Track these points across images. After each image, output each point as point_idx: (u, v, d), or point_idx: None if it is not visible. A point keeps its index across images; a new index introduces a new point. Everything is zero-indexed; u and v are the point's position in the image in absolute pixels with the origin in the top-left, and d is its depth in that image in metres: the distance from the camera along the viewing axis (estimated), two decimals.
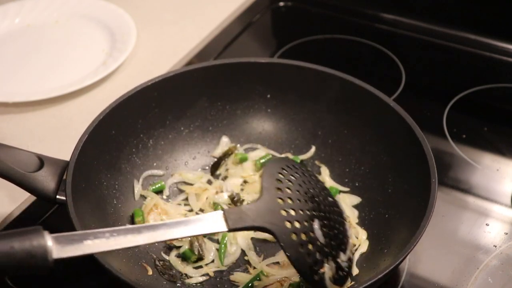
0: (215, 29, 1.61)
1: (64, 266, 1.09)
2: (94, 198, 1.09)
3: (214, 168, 1.24)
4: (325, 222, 0.98)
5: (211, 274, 1.09)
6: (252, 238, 1.13)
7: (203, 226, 0.91)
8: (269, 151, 1.26)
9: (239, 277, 1.08)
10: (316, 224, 0.97)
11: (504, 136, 1.36)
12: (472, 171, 1.28)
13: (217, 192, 1.19)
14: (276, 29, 1.71)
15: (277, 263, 1.10)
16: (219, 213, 0.93)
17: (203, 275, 1.09)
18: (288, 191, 0.96)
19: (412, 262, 1.11)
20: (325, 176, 1.21)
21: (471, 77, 1.49)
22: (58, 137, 1.34)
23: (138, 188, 1.18)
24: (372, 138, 1.18)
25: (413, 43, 1.60)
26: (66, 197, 1.00)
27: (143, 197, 1.19)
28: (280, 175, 0.98)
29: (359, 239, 1.11)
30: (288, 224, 0.94)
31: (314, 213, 0.97)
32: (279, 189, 0.96)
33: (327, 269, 0.96)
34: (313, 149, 1.25)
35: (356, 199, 1.17)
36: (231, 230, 0.92)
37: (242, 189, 1.21)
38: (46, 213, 1.18)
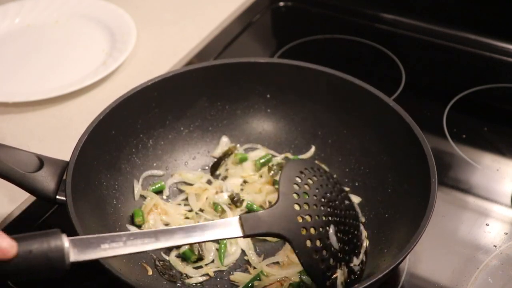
0: (215, 29, 1.61)
1: None
2: (94, 198, 1.09)
3: (214, 168, 1.24)
4: (341, 227, 0.99)
5: (211, 274, 1.09)
6: (252, 238, 1.13)
7: (219, 232, 0.92)
8: (269, 151, 1.26)
9: (239, 277, 1.08)
10: (331, 230, 0.97)
11: (504, 136, 1.36)
12: (472, 171, 1.28)
13: (217, 192, 1.19)
14: (276, 29, 1.71)
15: (277, 263, 1.10)
16: (235, 218, 0.93)
17: (203, 275, 1.09)
18: (305, 196, 0.96)
19: (412, 262, 1.11)
20: None
21: (471, 77, 1.49)
22: (58, 137, 1.34)
23: (138, 188, 1.18)
24: (372, 138, 1.18)
25: (413, 43, 1.60)
26: (66, 197, 1.00)
27: (143, 197, 1.19)
28: (297, 179, 0.97)
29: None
30: (303, 231, 0.94)
31: (330, 218, 0.97)
32: (296, 194, 0.96)
33: (339, 274, 0.97)
34: (313, 149, 1.25)
35: (356, 199, 1.17)
36: (246, 236, 0.93)
37: (242, 189, 1.21)
38: (46, 213, 1.18)
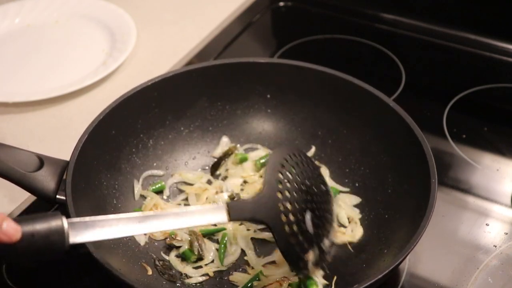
0: (215, 29, 1.61)
1: (64, 266, 1.11)
2: (94, 198, 1.10)
3: (214, 168, 1.24)
4: (316, 212, 1.03)
5: (211, 274, 1.09)
6: (252, 239, 1.13)
7: (207, 216, 0.96)
8: (269, 151, 1.26)
9: (238, 277, 1.08)
10: (308, 216, 1.01)
11: (504, 136, 1.36)
12: (472, 171, 1.28)
13: (217, 192, 1.19)
14: (276, 29, 1.71)
15: (273, 262, 1.10)
16: (223, 205, 0.97)
17: (203, 275, 1.09)
18: (288, 184, 1.00)
19: (412, 262, 1.11)
20: (325, 176, 1.20)
21: (471, 77, 1.49)
22: (58, 137, 1.34)
23: (138, 188, 1.18)
24: (372, 138, 1.18)
25: (413, 43, 1.60)
26: (66, 197, 1.01)
27: (143, 197, 1.19)
28: (282, 167, 1.01)
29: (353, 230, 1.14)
30: (283, 217, 0.98)
31: (307, 205, 1.01)
32: (280, 182, 1.00)
33: (311, 256, 1.01)
34: (313, 149, 1.25)
35: (356, 199, 1.17)
36: (231, 220, 0.97)
37: (242, 189, 1.21)
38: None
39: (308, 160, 1.07)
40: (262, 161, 1.22)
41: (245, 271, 1.10)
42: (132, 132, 1.19)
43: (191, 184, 1.21)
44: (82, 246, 0.93)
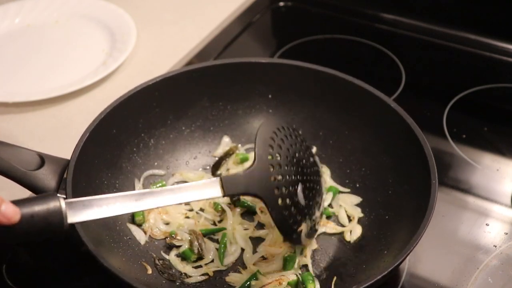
0: (215, 29, 1.61)
1: (64, 266, 1.11)
2: None
3: (215, 168, 1.24)
4: (307, 184, 1.05)
5: (211, 273, 1.09)
6: (250, 238, 1.14)
7: (201, 191, 0.98)
8: None
9: (235, 277, 1.08)
10: (299, 188, 1.03)
11: (504, 136, 1.36)
12: (472, 171, 1.28)
13: None
14: (276, 29, 1.71)
15: (263, 258, 1.11)
16: (216, 179, 0.99)
17: (203, 274, 1.09)
18: (278, 157, 1.02)
19: (412, 262, 1.11)
20: (326, 177, 1.21)
21: (471, 77, 1.49)
22: (58, 137, 1.34)
23: (139, 187, 1.18)
24: (372, 139, 1.18)
25: (413, 43, 1.60)
26: (66, 196, 1.00)
27: None
28: (272, 140, 1.03)
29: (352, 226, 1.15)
30: (276, 191, 1.00)
31: (298, 177, 1.04)
32: (270, 155, 1.01)
33: (304, 227, 1.04)
34: (314, 149, 1.25)
35: (357, 199, 1.17)
36: (226, 195, 1.00)
37: None
38: None
39: (297, 133, 1.09)
40: None
41: (237, 271, 1.10)
42: (133, 132, 1.20)
43: None
44: (82, 244, 0.93)
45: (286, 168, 1.02)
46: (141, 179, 1.20)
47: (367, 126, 1.19)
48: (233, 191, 1.00)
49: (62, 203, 0.86)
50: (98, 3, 1.66)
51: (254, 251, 1.12)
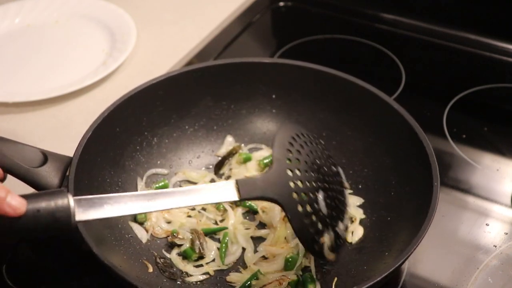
0: (215, 29, 1.61)
1: (65, 266, 1.11)
2: (97, 195, 1.09)
3: (218, 167, 1.24)
4: (329, 193, 1.01)
5: (212, 273, 1.09)
6: (251, 237, 1.14)
7: (216, 194, 0.95)
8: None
9: (235, 277, 1.08)
10: (320, 195, 0.99)
11: (504, 136, 1.36)
12: (472, 171, 1.28)
13: None
14: (276, 29, 1.71)
15: (264, 257, 1.11)
16: (232, 182, 0.95)
17: (204, 273, 1.09)
18: (297, 162, 0.98)
19: (412, 263, 1.11)
20: None
21: (471, 77, 1.49)
22: (58, 137, 1.34)
23: (141, 186, 1.18)
24: (375, 140, 1.18)
25: (413, 43, 1.60)
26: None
27: None
28: (290, 145, 0.99)
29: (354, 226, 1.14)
30: (295, 196, 0.96)
31: (319, 184, 0.99)
32: (289, 159, 0.98)
33: (327, 239, 0.99)
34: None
35: (359, 200, 1.17)
36: (242, 199, 0.96)
37: None
38: None
39: (317, 140, 1.05)
40: (266, 161, 1.22)
41: (238, 271, 1.10)
42: (137, 130, 1.20)
43: (194, 183, 1.21)
44: (83, 242, 0.93)
45: (306, 173, 0.98)
46: (144, 178, 1.20)
47: (370, 127, 1.19)
48: (249, 195, 0.96)
49: (71, 200, 0.85)
50: (98, 3, 1.66)
51: (255, 251, 1.12)
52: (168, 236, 1.13)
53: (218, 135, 1.27)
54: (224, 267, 1.10)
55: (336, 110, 1.22)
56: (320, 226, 0.98)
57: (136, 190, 1.18)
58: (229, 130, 1.28)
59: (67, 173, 1.04)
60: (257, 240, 1.13)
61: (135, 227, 1.13)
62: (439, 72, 1.53)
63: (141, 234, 1.12)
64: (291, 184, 0.96)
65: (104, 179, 1.13)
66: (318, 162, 1.02)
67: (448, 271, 1.10)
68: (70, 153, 1.06)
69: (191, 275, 1.08)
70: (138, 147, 1.20)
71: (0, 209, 0.81)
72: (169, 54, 1.54)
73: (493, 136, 1.35)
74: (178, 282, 1.07)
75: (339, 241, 1.02)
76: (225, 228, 1.14)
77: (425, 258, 1.12)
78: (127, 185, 1.17)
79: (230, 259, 1.11)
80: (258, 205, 1.17)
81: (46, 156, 1.04)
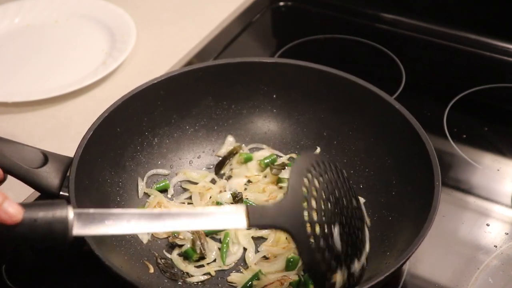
0: (215, 29, 1.61)
1: (65, 266, 1.11)
2: (97, 195, 1.09)
3: (218, 168, 1.24)
4: (346, 229, 0.96)
5: (213, 273, 1.09)
6: (252, 237, 1.13)
7: (224, 220, 0.90)
8: (274, 151, 1.26)
9: (236, 277, 1.08)
10: (336, 230, 0.94)
11: (505, 136, 1.36)
12: (472, 171, 1.28)
13: (220, 191, 1.19)
14: (276, 29, 1.71)
15: (265, 257, 1.10)
16: (242, 207, 0.90)
17: (205, 274, 1.08)
18: (314, 192, 0.93)
19: (412, 263, 1.11)
20: None
21: (472, 77, 1.49)
22: (57, 137, 1.34)
23: (142, 186, 1.18)
24: (376, 140, 1.18)
25: (413, 43, 1.60)
26: (69, 194, 1.00)
27: (147, 195, 1.18)
28: (308, 174, 0.94)
29: None
30: (308, 228, 0.91)
31: (336, 218, 0.94)
32: (305, 188, 0.93)
33: (339, 277, 0.94)
34: (318, 150, 1.24)
35: (360, 200, 1.16)
36: (251, 226, 0.91)
37: (245, 189, 1.20)
38: None
39: (339, 170, 1.00)
40: (267, 161, 1.22)
41: (239, 271, 1.09)
42: (137, 130, 1.19)
43: (195, 183, 1.21)
44: (84, 243, 0.93)
45: (322, 205, 0.92)
46: (145, 178, 1.20)
47: (371, 127, 1.19)
48: (259, 223, 0.91)
49: (70, 213, 0.82)
50: (98, 3, 1.66)
51: (256, 251, 1.12)
52: (169, 237, 1.13)
53: (218, 135, 1.27)
54: (225, 268, 1.10)
55: (337, 109, 1.22)
56: (333, 263, 0.93)
57: (137, 190, 1.18)
58: (229, 130, 1.28)
59: (68, 174, 1.04)
60: (258, 240, 1.13)
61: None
62: (439, 72, 1.53)
63: (142, 235, 1.11)
64: (305, 215, 0.91)
65: (105, 179, 1.13)
66: (337, 194, 0.96)
67: (449, 272, 1.10)
68: (70, 153, 1.06)
69: (192, 276, 1.08)
70: (138, 148, 1.20)
71: None
72: (169, 54, 1.54)
73: (493, 136, 1.35)
74: (179, 283, 1.07)
75: (353, 281, 0.96)
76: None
77: (425, 259, 1.12)
78: (128, 186, 1.17)
79: (231, 259, 1.10)
80: (259, 205, 1.17)
81: (46, 157, 1.04)
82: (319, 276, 0.92)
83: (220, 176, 1.24)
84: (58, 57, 1.55)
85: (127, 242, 1.09)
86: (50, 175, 1.03)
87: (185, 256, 1.10)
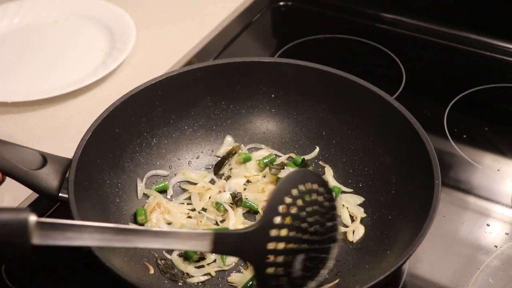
0: (214, 29, 1.61)
1: (64, 266, 1.11)
2: (96, 197, 1.09)
3: (217, 168, 1.24)
4: (311, 254, 0.95)
5: (213, 273, 1.08)
6: None
7: (188, 243, 0.90)
8: (272, 151, 1.25)
9: (237, 277, 1.08)
10: (299, 258, 0.94)
11: (505, 136, 1.36)
12: (473, 171, 1.28)
13: (220, 192, 1.19)
14: (276, 29, 1.71)
15: None
16: (210, 234, 0.90)
17: (205, 274, 1.08)
18: (288, 220, 0.93)
19: (412, 263, 1.11)
20: (329, 177, 1.21)
21: (472, 77, 1.49)
22: (57, 137, 1.34)
23: (141, 187, 1.18)
24: (376, 139, 1.18)
25: (413, 43, 1.60)
26: (68, 195, 1.00)
27: (146, 196, 1.18)
28: (288, 199, 0.93)
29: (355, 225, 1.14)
30: (271, 257, 0.92)
31: (303, 246, 0.94)
32: (280, 216, 0.92)
33: None
34: (317, 149, 1.24)
35: (360, 199, 1.17)
36: (214, 252, 0.96)
37: (245, 189, 1.20)
38: (48, 211, 1.18)
39: (323, 189, 0.98)
40: (266, 161, 1.22)
41: (240, 272, 1.09)
42: (136, 131, 1.19)
43: (194, 183, 1.21)
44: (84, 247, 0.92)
45: (291, 234, 0.93)
46: (144, 179, 1.20)
47: (371, 126, 1.18)
48: (222, 251, 0.95)
49: (31, 220, 0.80)
50: (98, 2, 1.66)
51: None
52: None
53: (217, 135, 1.27)
54: (226, 268, 1.09)
55: (337, 109, 1.22)
56: (287, 287, 0.94)
57: (136, 191, 1.18)
58: (228, 130, 1.27)
59: (67, 175, 1.04)
60: None
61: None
62: (439, 72, 1.53)
63: None
64: (271, 245, 0.92)
65: (104, 180, 1.13)
66: (312, 219, 0.95)
67: (449, 272, 1.10)
68: (70, 153, 1.06)
69: (192, 276, 1.08)
70: (137, 148, 1.20)
71: None
72: (169, 54, 1.54)
73: (493, 136, 1.35)
74: (179, 284, 1.07)
75: None
76: (226, 228, 1.13)
77: (425, 259, 1.12)
78: (127, 187, 1.17)
79: (231, 259, 1.10)
80: (258, 204, 1.17)
81: (45, 158, 1.04)
82: None
83: (219, 176, 1.23)
84: (57, 57, 1.55)
85: None
86: (49, 177, 1.03)
87: (185, 256, 1.10)
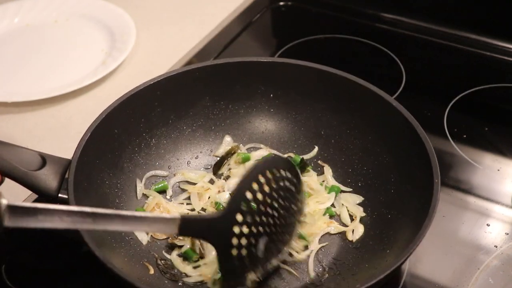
0: (214, 29, 1.61)
1: (65, 266, 1.11)
2: (96, 197, 1.09)
3: (216, 168, 1.24)
4: (273, 236, 1.00)
5: (206, 279, 1.08)
6: None
7: (156, 225, 0.95)
8: (271, 151, 1.25)
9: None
10: (263, 240, 0.99)
11: (505, 136, 1.36)
12: (473, 171, 1.27)
13: (219, 192, 1.19)
14: (276, 29, 1.71)
15: None
16: (177, 218, 0.94)
17: (201, 274, 1.07)
18: (254, 205, 0.97)
19: (412, 263, 1.11)
20: (328, 176, 1.21)
21: (472, 77, 1.49)
22: (57, 137, 1.34)
23: (140, 187, 1.18)
24: (375, 138, 1.18)
25: (413, 42, 1.60)
26: (68, 196, 1.00)
27: (145, 196, 1.18)
28: (255, 184, 0.97)
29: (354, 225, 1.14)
30: (234, 240, 0.96)
31: (268, 230, 0.99)
32: (245, 202, 0.96)
33: (252, 275, 1.00)
34: (316, 149, 1.24)
35: (359, 198, 1.17)
36: (180, 235, 1.02)
37: None
38: None
39: (292, 174, 1.02)
40: None
41: None
42: (135, 131, 1.19)
43: (193, 184, 1.21)
44: (84, 244, 0.93)
45: (256, 218, 0.97)
46: (143, 180, 1.19)
47: (370, 126, 1.18)
48: (187, 233, 0.99)
49: (3, 204, 0.82)
50: (98, 2, 1.66)
51: None
52: (169, 237, 1.13)
53: (216, 135, 1.27)
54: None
55: (336, 109, 1.22)
56: (249, 267, 0.98)
57: (135, 192, 1.18)
58: (227, 130, 1.27)
59: (66, 176, 1.04)
60: None
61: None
62: (439, 72, 1.53)
63: (141, 236, 1.11)
64: (236, 229, 0.96)
65: (103, 181, 1.13)
66: (277, 205, 0.99)
67: (449, 272, 1.10)
68: (69, 153, 1.06)
69: (189, 276, 1.08)
70: (136, 149, 1.20)
71: None
72: (168, 54, 1.54)
73: (493, 136, 1.35)
74: (179, 284, 1.07)
75: (265, 271, 1.02)
76: None
77: (425, 259, 1.12)
78: (126, 187, 1.17)
79: None
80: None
81: (44, 159, 1.04)
82: (231, 277, 0.99)
83: (218, 176, 1.23)
84: (57, 57, 1.55)
85: (126, 243, 1.09)
86: (49, 178, 1.03)
87: (185, 256, 1.10)
